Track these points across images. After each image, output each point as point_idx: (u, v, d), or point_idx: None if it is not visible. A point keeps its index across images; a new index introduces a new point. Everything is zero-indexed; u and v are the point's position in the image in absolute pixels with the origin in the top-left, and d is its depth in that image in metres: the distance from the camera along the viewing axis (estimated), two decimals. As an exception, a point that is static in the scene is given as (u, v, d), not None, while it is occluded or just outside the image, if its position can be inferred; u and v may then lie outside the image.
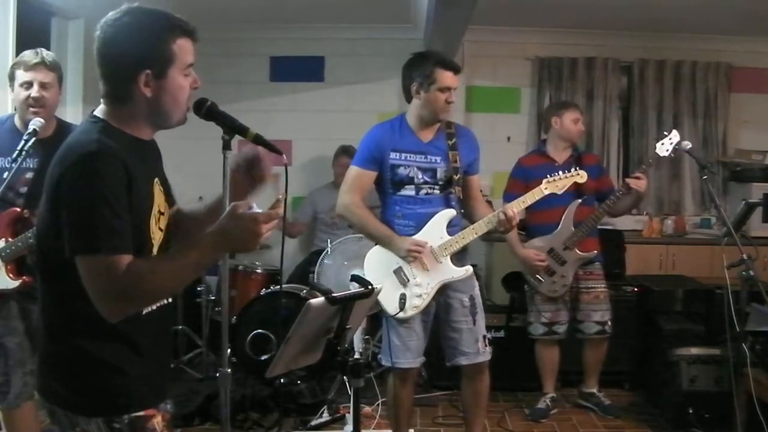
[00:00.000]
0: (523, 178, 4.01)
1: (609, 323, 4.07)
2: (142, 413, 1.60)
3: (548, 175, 3.19)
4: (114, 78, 1.58)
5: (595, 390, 4.19)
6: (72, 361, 1.57)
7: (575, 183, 3.83)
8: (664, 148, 3.67)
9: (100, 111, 1.62)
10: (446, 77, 3.05)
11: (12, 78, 2.73)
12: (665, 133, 3.74)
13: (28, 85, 2.69)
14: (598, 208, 3.98)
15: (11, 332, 2.77)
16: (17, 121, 2.78)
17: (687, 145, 3.61)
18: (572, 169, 3.22)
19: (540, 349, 4.17)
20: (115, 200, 1.47)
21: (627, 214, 4.58)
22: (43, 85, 2.70)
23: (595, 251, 4.03)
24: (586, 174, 3.23)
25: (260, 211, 1.56)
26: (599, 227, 4.14)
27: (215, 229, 1.55)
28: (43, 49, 2.77)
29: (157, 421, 1.63)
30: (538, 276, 4.01)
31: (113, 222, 1.46)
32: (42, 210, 1.57)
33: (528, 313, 4.19)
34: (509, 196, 3.80)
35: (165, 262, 1.55)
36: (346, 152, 5.19)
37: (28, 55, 2.72)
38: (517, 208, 3.09)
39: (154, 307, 1.65)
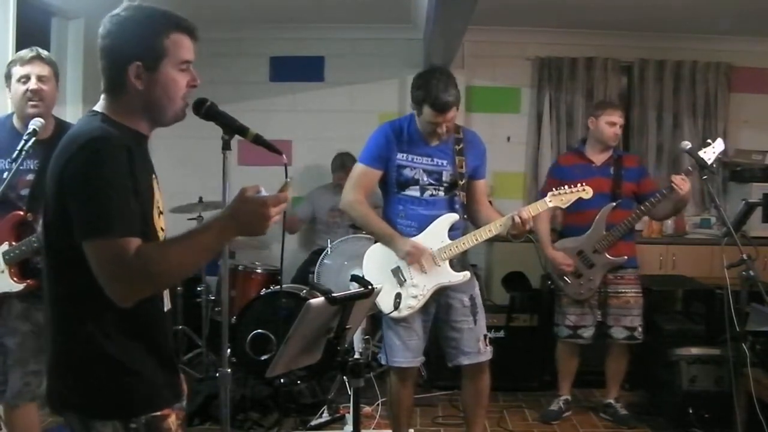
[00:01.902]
0: (559, 177, 3.90)
1: (639, 329, 3.95)
2: (158, 413, 1.59)
3: (552, 189, 3.17)
4: (109, 70, 1.61)
5: (612, 401, 4.10)
6: (87, 363, 1.55)
7: (612, 184, 3.86)
8: (707, 156, 3.48)
9: (98, 106, 1.64)
10: (430, 115, 3.00)
11: (9, 76, 2.73)
12: (708, 141, 3.56)
13: (26, 78, 2.69)
14: (634, 210, 3.88)
15: (11, 332, 2.76)
16: (16, 122, 2.78)
17: (687, 145, 3.58)
18: (579, 185, 3.17)
19: (561, 350, 4.13)
20: (121, 184, 1.48)
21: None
22: (40, 78, 2.70)
23: (627, 256, 3.92)
24: (591, 190, 3.17)
25: (268, 194, 1.57)
26: None
27: (225, 212, 1.56)
28: (37, 47, 2.78)
29: (172, 420, 1.62)
30: (564, 277, 3.96)
31: (121, 205, 1.47)
32: (48, 201, 1.56)
33: (555, 315, 4.13)
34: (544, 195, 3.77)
35: (175, 246, 1.53)
36: (344, 167, 5.26)
37: (24, 51, 2.74)
38: (534, 211, 3.05)
39: (165, 307, 1.66)
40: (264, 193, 1.57)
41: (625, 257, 3.92)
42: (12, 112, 2.82)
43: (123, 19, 1.59)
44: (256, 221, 1.55)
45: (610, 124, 3.95)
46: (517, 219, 2.97)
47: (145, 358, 1.59)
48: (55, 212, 1.53)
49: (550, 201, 3.12)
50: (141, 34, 1.58)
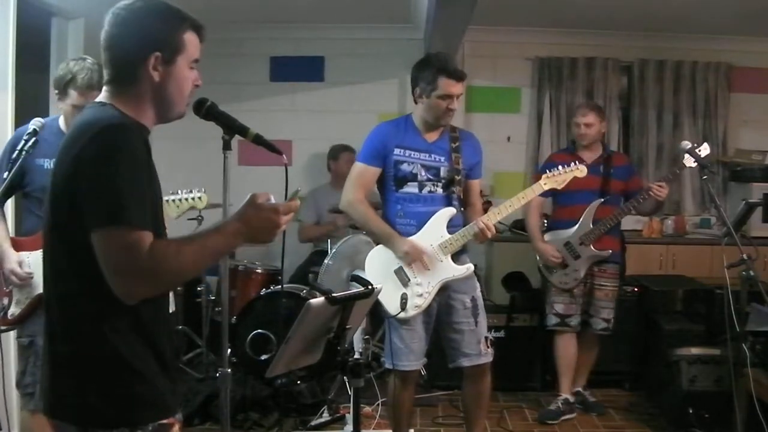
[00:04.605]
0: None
1: (611, 321, 4.11)
2: (165, 421, 1.55)
3: (548, 170, 3.21)
4: (122, 59, 1.57)
5: (580, 388, 4.23)
6: (95, 365, 1.48)
7: (602, 181, 3.99)
8: (692, 159, 3.61)
9: (104, 97, 1.59)
10: (448, 85, 3.03)
11: (63, 92, 2.69)
12: (695, 144, 3.64)
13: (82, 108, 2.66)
14: (620, 207, 4.04)
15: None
16: (62, 125, 2.76)
17: (687, 145, 3.60)
18: (573, 164, 3.23)
19: (556, 341, 4.18)
20: (139, 174, 1.45)
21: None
22: None
23: (611, 250, 4.04)
24: (585, 169, 3.24)
25: (278, 202, 1.57)
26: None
27: (236, 217, 1.55)
28: (89, 60, 2.70)
29: (176, 429, 1.59)
30: (551, 267, 4.08)
31: (137, 195, 1.43)
32: (57, 187, 1.50)
33: (545, 306, 4.22)
34: None
35: (188, 246, 1.48)
36: (347, 149, 5.22)
37: (82, 74, 2.65)
38: (531, 194, 3.13)
39: (170, 309, 1.65)
40: (273, 200, 1.57)
41: (609, 251, 4.04)
42: (59, 115, 2.80)
43: (139, 9, 1.57)
44: (267, 228, 1.55)
45: (575, 125, 4.17)
46: (476, 228, 3.01)
47: (151, 363, 1.53)
48: (64, 194, 1.47)
49: (545, 183, 3.17)
50: (161, 27, 1.57)
